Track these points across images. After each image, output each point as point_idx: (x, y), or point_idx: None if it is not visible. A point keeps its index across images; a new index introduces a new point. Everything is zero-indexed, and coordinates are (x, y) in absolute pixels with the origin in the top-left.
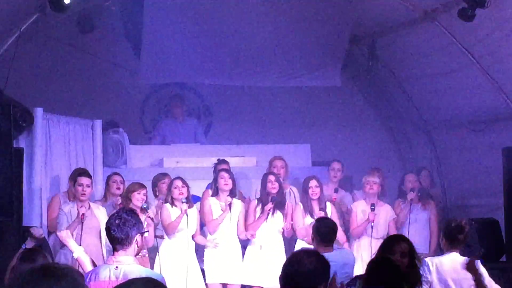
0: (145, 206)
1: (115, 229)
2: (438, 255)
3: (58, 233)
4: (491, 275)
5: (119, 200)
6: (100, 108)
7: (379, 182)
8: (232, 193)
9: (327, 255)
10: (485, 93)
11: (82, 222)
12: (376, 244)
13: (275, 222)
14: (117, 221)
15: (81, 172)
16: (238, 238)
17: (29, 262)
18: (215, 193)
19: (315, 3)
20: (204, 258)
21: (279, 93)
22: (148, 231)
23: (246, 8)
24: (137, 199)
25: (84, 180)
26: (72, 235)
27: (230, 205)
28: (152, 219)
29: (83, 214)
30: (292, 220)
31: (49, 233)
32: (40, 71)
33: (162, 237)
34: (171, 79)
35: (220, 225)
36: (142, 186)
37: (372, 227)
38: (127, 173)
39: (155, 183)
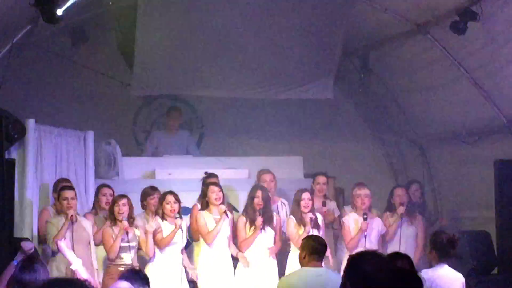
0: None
1: None
2: (429, 268)
3: (56, 241)
4: (483, 287)
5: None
6: (92, 120)
7: (370, 195)
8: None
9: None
10: (477, 106)
11: (73, 223)
12: None
13: (266, 237)
14: None
15: (64, 185)
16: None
17: (30, 272)
18: (205, 207)
19: (307, 16)
20: (197, 269)
21: (271, 105)
22: None
23: (239, 21)
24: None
25: (68, 194)
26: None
27: (226, 212)
28: (127, 232)
29: (72, 216)
30: (278, 235)
31: (40, 245)
32: (32, 82)
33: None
34: (163, 91)
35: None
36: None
37: (365, 236)
38: (119, 185)
39: (144, 197)
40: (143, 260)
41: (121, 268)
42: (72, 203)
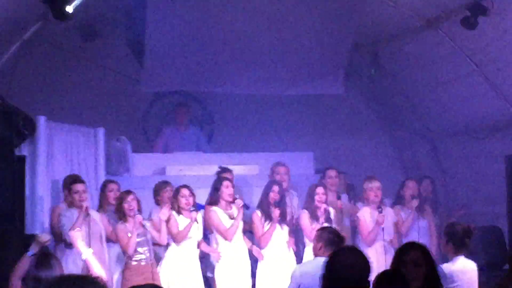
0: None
1: None
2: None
3: (69, 232)
4: (494, 282)
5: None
6: (102, 116)
7: (381, 188)
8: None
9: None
10: (488, 100)
11: (89, 214)
12: (389, 248)
13: (282, 233)
14: None
15: (74, 179)
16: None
17: (46, 268)
18: (216, 202)
19: (318, 11)
20: (215, 267)
21: (281, 101)
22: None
23: (249, 16)
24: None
25: (79, 187)
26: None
27: (243, 206)
28: (143, 225)
29: (86, 207)
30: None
31: (56, 244)
32: (42, 79)
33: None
34: (174, 87)
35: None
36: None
37: (383, 229)
38: (130, 181)
39: (157, 192)
40: (156, 257)
41: (143, 263)
42: (84, 197)
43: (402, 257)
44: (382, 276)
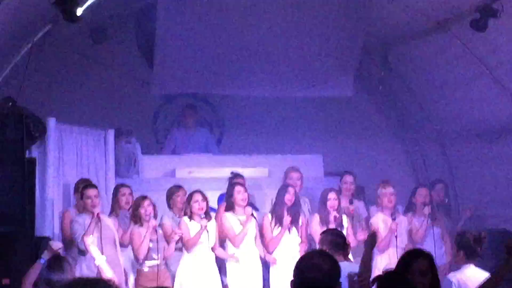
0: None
1: None
2: (456, 270)
3: (84, 238)
4: (505, 286)
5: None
6: (112, 118)
7: (395, 193)
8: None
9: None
10: (498, 103)
11: (99, 221)
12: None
13: (292, 237)
14: None
15: (86, 184)
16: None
17: (58, 272)
18: (230, 208)
19: (328, 13)
20: (226, 272)
21: (291, 103)
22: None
23: (259, 19)
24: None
25: (92, 192)
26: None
27: (252, 215)
28: (156, 231)
29: (98, 214)
30: (303, 235)
31: (66, 248)
32: (53, 81)
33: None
34: (184, 90)
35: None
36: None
37: (396, 236)
38: (139, 183)
39: (169, 196)
40: (167, 264)
41: (155, 270)
42: (96, 202)
43: (409, 264)
44: (386, 278)
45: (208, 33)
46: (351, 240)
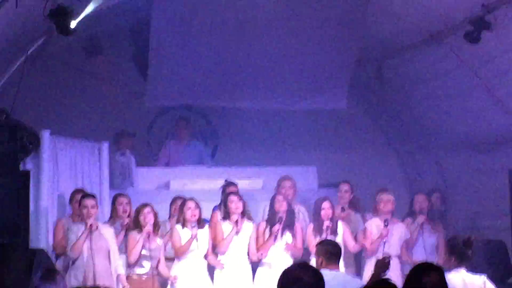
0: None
1: None
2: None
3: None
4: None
5: (126, 221)
6: (107, 131)
7: (393, 201)
8: (244, 214)
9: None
10: (492, 114)
11: (92, 232)
12: (396, 263)
13: (285, 243)
14: None
15: (84, 194)
16: (249, 260)
17: (51, 283)
18: (225, 216)
19: (322, 26)
20: (214, 279)
21: (285, 115)
22: None
23: (253, 32)
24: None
25: (89, 202)
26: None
27: (237, 222)
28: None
29: (91, 225)
30: (298, 241)
31: (57, 257)
32: (47, 93)
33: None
34: (178, 102)
35: (230, 246)
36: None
37: (384, 243)
38: (134, 195)
39: (170, 206)
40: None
41: (144, 278)
42: (92, 212)
43: (420, 279)
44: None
45: (202, 46)
46: (350, 247)
